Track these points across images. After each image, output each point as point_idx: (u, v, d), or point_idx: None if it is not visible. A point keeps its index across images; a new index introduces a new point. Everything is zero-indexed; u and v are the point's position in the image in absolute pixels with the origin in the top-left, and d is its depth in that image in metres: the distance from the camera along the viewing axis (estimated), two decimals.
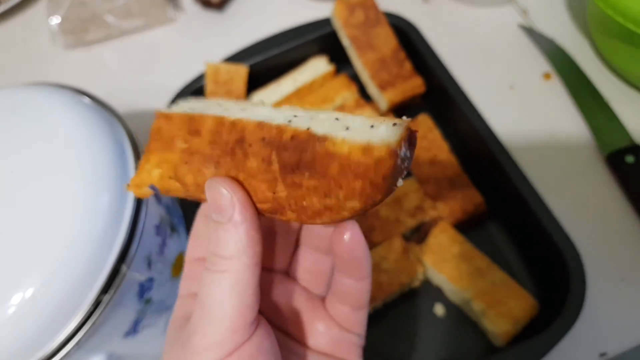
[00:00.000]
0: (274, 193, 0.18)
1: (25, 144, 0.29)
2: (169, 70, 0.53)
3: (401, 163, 0.16)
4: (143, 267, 0.31)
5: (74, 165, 0.29)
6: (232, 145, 0.19)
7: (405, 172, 0.17)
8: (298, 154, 0.17)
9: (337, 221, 0.18)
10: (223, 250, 0.19)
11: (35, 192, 0.28)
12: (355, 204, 0.17)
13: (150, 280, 0.32)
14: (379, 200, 0.16)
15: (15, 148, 0.29)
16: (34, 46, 0.58)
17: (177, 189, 0.21)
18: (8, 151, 0.29)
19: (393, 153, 0.15)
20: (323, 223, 0.18)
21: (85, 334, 0.27)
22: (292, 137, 0.17)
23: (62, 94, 0.32)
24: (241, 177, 0.19)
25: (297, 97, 0.47)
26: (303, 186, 0.17)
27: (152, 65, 0.54)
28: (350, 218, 0.18)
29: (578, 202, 0.41)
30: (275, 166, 0.18)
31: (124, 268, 0.28)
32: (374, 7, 0.44)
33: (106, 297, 0.27)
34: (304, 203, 0.18)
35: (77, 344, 0.27)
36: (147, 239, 0.31)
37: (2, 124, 0.30)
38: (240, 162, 0.19)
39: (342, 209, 0.17)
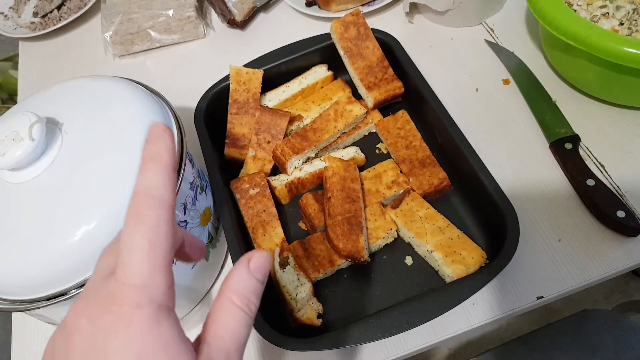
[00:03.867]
0: None
1: (98, 119, 0.40)
2: (200, 75, 0.64)
3: None
4: (181, 210, 0.41)
5: (135, 135, 0.39)
6: None
7: None
8: None
9: None
10: (256, 300, 0.23)
11: (105, 154, 0.38)
12: None
13: (185, 222, 0.42)
14: None
15: (90, 122, 0.40)
16: (89, 54, 0.70)
17: None
18: (85, 125, 0.40)
19: None
20: None
21: None
22: None
23: (123, 82, 0.43)
24: None
25: (302, 96, 0.58)
26: None
27: (186, 71, 0.66)
28: None
29: (527, 180, 0.50)
30: None
31: None
32: (364, 24, 0.55)
33: None
34: None
35: None
36: (184, 190, 0.41)
37: (80, 104, 0.41)
38: None
39: None
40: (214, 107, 0.55)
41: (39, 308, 0.36)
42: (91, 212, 0.35)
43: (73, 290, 0.35)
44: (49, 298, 0.35)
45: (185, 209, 0.42)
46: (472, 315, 0.44)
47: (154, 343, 0.19)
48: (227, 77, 0.55)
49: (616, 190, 0.48)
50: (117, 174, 0.36)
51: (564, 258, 0.46)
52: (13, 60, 1.39)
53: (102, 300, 0.20)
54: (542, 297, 0.44)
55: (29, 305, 0.36)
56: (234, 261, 0.43)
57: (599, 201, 0.46)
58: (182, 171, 0.40)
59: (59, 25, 0.73)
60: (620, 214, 0.45)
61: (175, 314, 0.21)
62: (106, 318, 0.20)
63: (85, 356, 0.20)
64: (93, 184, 0.36)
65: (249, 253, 0.24)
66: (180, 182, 0.40)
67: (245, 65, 0.56)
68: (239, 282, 0.23)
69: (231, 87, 0.54)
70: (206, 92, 0.55)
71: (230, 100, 0.54)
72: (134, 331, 0.19)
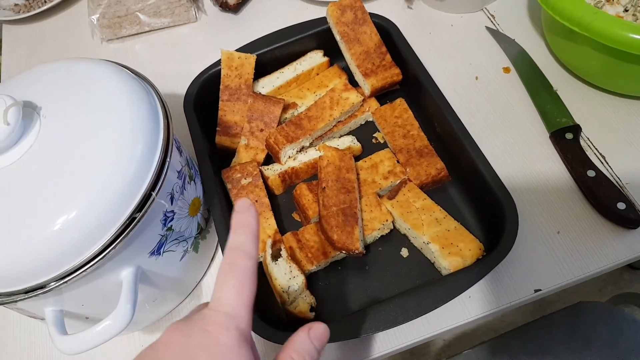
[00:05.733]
0: None
1: (79, 102, 0.37)
2: (191, 60, 0.62)
3: None
4: (167, 200, 0.39)
5: (118, 121, 0.37)
6: None
7: None
8: None
9: None
10: None
11: (86, 140, 0.35)
12: None
13: (172, 212, 0.40)
14: None
15: (70, 106, 0.37)
16: (76, 38, 0.68)
17: None
18: (65, 109, 0.37)
19: None
20: None
21: (120, 245, 0.34)
22: None
23: (107, 65, 0.41)
24: None
25: (297, 83, 0.56)
26: None
27: (176, 56, 0.64)
28: None
29: (526, 170, 0.49)
30: None
31: (153, 194, 0.37)
32: (362, 8, 0.53)
33: (139, 215, 0.36)
34: None
35: (113, 252, 0.34)
36: (171, 179, 0.40)
37: (60, 88, 0.39)
38: None
39: None
40: (205, 93, 0.53)
41: (16, 302, 0.34)
42: (72, 200, 0.33)
43: (52, 283, 0.34)
44: (26, 291, 0.34)
45: (172, 199, 0.40)
46: (469, 308, 0.43)
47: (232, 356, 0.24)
48: (218, 62, 0.53)
49: (617, 182, 0.47)
50: (98, 161, 0.34)
51: (562, 250, 0.44)
52: None
53: (196, 322, 0.25)
54: (540, 289, 0.43)
55: (5, 298, 0.34)
56: (224, 253, 0.42)
57: (599, 192, 0.45)
58: (168, 158, 0.38)
59: (45, 7, 0.70)
60: (621, 205, 0.44)
61: (253, 344, 0.27)
62: (199, 334, 0.24)
63: None
64: (73, 172, 0.34)
65: (311, 323, 0.28)
66: (167, 171, 0.38)
67: (237, 50, 0.54)
68: (299, 344, 0.27)
69: (222, 72, 0.52)
70: (196, 77, 0.53)
71: (221, 86, 0.52)
72: (221, 348, 0.24)
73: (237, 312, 0.25)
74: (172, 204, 0.40)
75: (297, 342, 0.27)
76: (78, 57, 0.43)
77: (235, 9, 0.66)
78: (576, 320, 0.59)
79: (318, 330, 0.28)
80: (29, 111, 0.36)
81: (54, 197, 0.33)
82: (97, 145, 0.35)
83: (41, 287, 0.33)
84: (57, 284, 0.34)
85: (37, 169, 0.34)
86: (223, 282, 0.26)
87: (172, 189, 0.40)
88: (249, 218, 0.28)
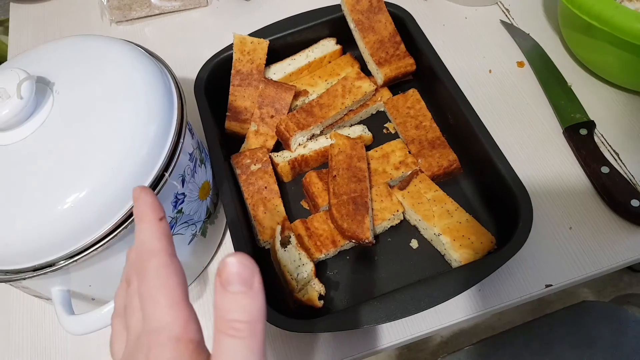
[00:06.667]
0: None
1: (93, 79, 0.37)
2: (202, 45, 0.61)
3: None
4: (179, 182, 0.39)
5: (133, 99, 0.36)
6: None
7: None
8: None
9: None
10: (245, 316, 0.20)
11: (100, 117, 0.35)
12: None
13: (183, 194, 0.40)
14: None
15: (84, 83, 0.37)
16: (84, 19, 0.67)
17: None
18: (78, 85, 0.37)
19: None
20: None
21: (131, 225, 0.34)
22: None
23: (122, 43, 0.41)
24: None
25: (309, 70, 0.55)
26: None
27: (187, 40, 0.63)
28: None
29: (539, 165, 0.49)
30: None
31: (165, 175, 0.36)
32: None
33: None
34: None
35: (124, 233, 0.34)
36: (183, 161, 0.39)
37: (73, 64, 0.38)
38: None
39: None
40: (216, 77, 0.52)
41: (24, 279, 0.33)
42: (83, 178, 0.33)
43: (62, 262, 0.33)
44: (35, 269, 0.33)
45: (183, 181, 0.40)
46: (479, 301, 0.42)
47: None
48: (230, 47, 0.52)
49: (630, 179, 0.47)
50: (112, 140, 0.34)
51: (574, 246, 0.44)
52: (4, 25, 1.33)
53: (139, 353, 0.22)
54: (551, 285, 0.43)
55: (13, 275, 0.33)
56: (233, 238, 0.41)
57: (612, 189, 0.45)
58: (181, 140, 0.38)
59: None
60: (635, 202, 0.43)
61: (201, 344, 0.22)
62: None
63: None
64: (86, 149, 0.34)
65: (220, 266, 0.21)
66: (179, 153, 0.37)
67: (249, 35, 0.53)
68: (222, 305, 0.21)
69: (234, 56, 0.52)
70: (208, 61, 0.52)
71: (233, 71, 0.52)
72: None
73: (163, 321, 0.21)
74: (183, 186, 0.40)
75: (220, 308, 0.21)
76: (91, 34, 0.42)
77: None
78: (579, 319, 0.59)
79: (231, 270, 0.20)
80: (41, 86, 0.35)
81: (65, 175, 0.33)
82: (111, 123, 0.34)
83: (50, 265, 0.33)
84: (66, 263, 0.33)
85: (49, 145, 0.33)
86: (142, 296, 0.22)
87: (184, 171, 0.39)
88: (140, 207, 0.24)
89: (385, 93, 0.53)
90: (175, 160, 0.37)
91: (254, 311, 0.20)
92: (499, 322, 1.05)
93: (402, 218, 0.46)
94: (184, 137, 0.38)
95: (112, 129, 0.34)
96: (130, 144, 0.34)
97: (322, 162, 0.51)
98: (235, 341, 0.20)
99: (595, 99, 0.52)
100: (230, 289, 0.20)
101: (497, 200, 0.45)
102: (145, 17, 0.65)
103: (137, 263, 0.23)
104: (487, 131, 0.45)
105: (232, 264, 0.20)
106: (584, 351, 0.56)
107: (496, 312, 0.42)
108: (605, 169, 0.46)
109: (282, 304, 0.42)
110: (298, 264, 0.42)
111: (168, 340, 0.21)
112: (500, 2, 0.61)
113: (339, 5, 0.54)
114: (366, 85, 0.51)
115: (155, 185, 0.35)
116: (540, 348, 0.57)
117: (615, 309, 0.61)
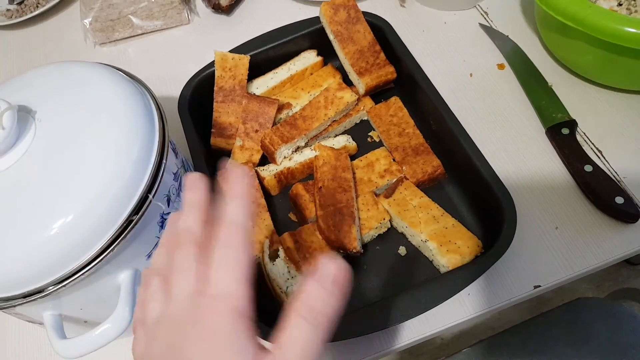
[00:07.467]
0: None
1: (74, 106, 0.37)
2: (185, 63, 0.62)
3: None
4: (164, 202, 0.39)
5: (113, 123, 0.36)
6: None
7: None
8: None
9: None
10: (327, 310, 0.23)
11: (82, 143, 0.35)
12: None
13: (169, 214, 0.40)
14: None
15: (65, 110, 0.37)
16: (69, 42, 0.68)
17: None
18: (60, 112, 0.37)
19: None
20: None
21: (118, 248, 0.34)
22: None
23: (101, 68, 0.41)
24: None
25: (291, 83, 0.56)
26: None
27: (170, 59, 0.64)
28: None
29: (523, 167, 0.49)
30: None
31: (150, 197, 0.36)
32: (355, 7, 0.53)
33: (136, 218, 0.36)
34: None
35: (111, 256, 0.34)
36: (167, 181, 0.39)
37: (54, 91, 0.39)
38: None
39: None
40: (199, 95, 0.53)
41: (14, 307, 0.34)
42: (68, 204, 0.33)
43: (51, 287, 0.33)
44: (24, 296, 0.33)
45: (169, 201, 0.40)
46: (468, 305, 0.43)
47: (226, 342, 0.22)
48: (212, 64, 0.53)
49: (614, 176, 0.47)
50: (95, 164, 0.34)
51: (561, 246, 0.44)
52: None
53: (189, 312, 0.23)
54: (540, 286, 0.43)
55: (4, 303, 0.34)
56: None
57: (597, 187, 0.45)
58: (164, 160, 0.38)
59: (37, 12, 0.70)
60: (619, 200, 0.44)
61: (254, 328, 0.23)
62: (192, 327, 0.23)
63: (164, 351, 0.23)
64: (70, 175, 0.34)
65: (317, 263, 0.24)
66: (163, 173, 0.38)
67: (231, 51, 0.53)
68: (310, 296, 0.23)
69: (217, 73, 0.52)
70: (190, 79, 0.53)
71: (215, 88, 0.52)
72: (215, 337, 0.22)
73: (230, 290, 0.23)
74: (169, 206, 0.40)
75: (307, 295, 0.23)
76: (72, 60, 0.42)
77: (228, 10, 0.66)
78: (575, 317, 0.59)
79: (329, 270, 0.23)
80: (24, 115, 0.36)
81: (50, 201, 0.33)
82: (93, 148, 0.35)
83: (39, 291, 0.33)
84: (55, 288, 0.33)
85: (33, 173, 0.34)
86: (222, 264, 0.24)
87: (169, 191, 0.40)
88: (240, 184, 0.26)
89: (368, 102, 0.54)
90: (158, 181, 0.37)
91: (334, 310, 0.23)
92: (499, 322, 1.05)
93: (389, 226, 0.47)
94: (166, 157, 0.39)
95: (94, 154, 0.35)
96: (113, 168, 0.35)
97: (308, 174, 0.51)
98: (311, 327, 0.22)
99: (577, 98, 0.52)
100: (325, 285, 0.23)
101: (482, 204, 0.45)
102: (128, 37, 0.66)
103: (223, 230, 0.24)
104: (469, 136, 0.45)
105: (334, 265, 0.23)
106: (580, 349, 0.56)
107: (487, 315, 0.43)
108: (588, 167, 0.46)
109: (273, 317, 0.42)
110: (287, 277, 0.42)
111: (230, 310, 0.22)
112: (478, 5, 0.62)
113: (317, 18, 0.54)
114: (348, 96, 0.51)
115: (139, 206, 0.36)
116: (536, 348, 0.57)
117: (611, 304, 0.61)
